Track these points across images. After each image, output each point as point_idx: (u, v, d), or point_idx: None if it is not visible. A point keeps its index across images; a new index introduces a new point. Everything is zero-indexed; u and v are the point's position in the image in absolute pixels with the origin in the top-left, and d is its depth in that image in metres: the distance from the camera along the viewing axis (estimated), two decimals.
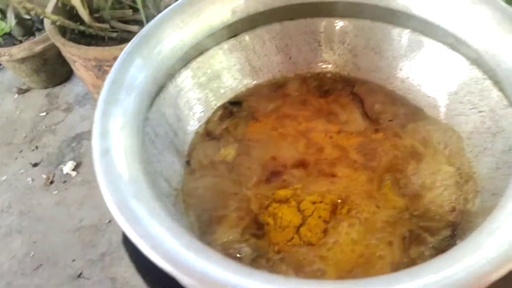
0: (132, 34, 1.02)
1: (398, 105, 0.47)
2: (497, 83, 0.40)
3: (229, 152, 0.45)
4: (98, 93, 1.18)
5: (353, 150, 0.44)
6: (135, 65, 0.38)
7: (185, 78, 0.46)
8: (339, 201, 0.40)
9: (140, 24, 1.09)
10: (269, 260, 0.38)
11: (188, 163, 0.44)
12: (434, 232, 0.38)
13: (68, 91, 1.67)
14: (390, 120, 0.46)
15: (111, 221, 1.30)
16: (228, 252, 0.39)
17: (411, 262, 0.37)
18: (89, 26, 1.31)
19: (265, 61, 0.50)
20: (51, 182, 1.47)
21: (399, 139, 0.44)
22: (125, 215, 0.29)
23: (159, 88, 0.41)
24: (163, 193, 0.40)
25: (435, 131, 0.44)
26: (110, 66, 1.01)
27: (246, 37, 0.48)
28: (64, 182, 1.46)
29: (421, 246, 0.38)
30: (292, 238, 0.39)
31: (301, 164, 0.43)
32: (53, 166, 1.54)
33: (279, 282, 0.26)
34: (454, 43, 0.42)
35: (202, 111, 0.48)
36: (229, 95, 0.50)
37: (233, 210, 0.41)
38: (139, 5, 0.99)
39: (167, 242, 0.28)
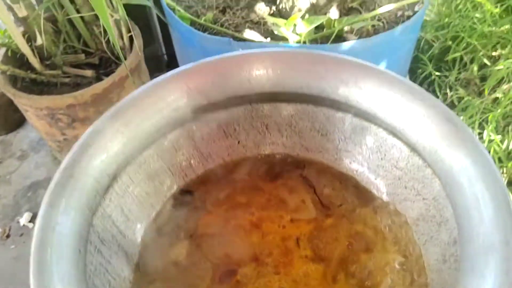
0: (86, 78, 1.00)
1: (348, 187, 0.48)
2: (436, 173, 0.41)
3: (180, 251, 0.44)
4: (52, 140, 1.14)
5: (306, 242, 0.44)
6: (71, 184, 0.36)
7: (132, 174, 0.45)
8: None
9: (94, 67, 1.07)
10: None
11: (137, 266, 0.43)
12: None
13: (22, 138, 1.61)
14: (340, 205, 0.46)
15: None
16: None
17: None
18: (41, 74, 1.28)
19: (214, 147, 0.50)
20: (8, 236, 1.40)
21: (350, 226, 0.45)
22: None
23: (101, 197, 0.40)
24: None
25: (383, 216, 0.45)
26: (63, 114, 0.99)
27: (193, 126, 0.48)
28: (21, 235, 1.39)
29: None
30: None
31: (254, 259, 0.43)
32: (9, 219, 1.47)
33: None
34: (394, 131, 0.43)
35: (152, 205, 0.47)
36: (179, 184, 0.49)
37: None
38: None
39: None
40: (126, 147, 0.41)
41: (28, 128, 1.59)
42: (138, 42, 0.93)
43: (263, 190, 0.48)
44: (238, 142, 0.50)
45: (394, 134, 0.44)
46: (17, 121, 1.59)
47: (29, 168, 1.52)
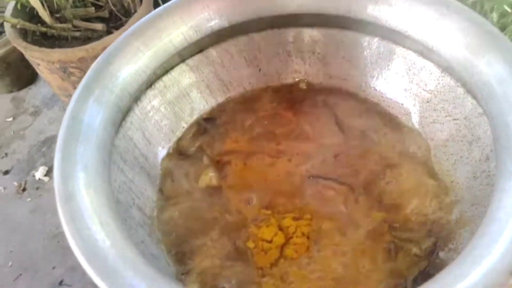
0: (96, 32, 0.98)
1: (372, 114, 0.47)
2: (470, 91, 0.39)
3: (204, 177, 0.43)
4: (65, 95, 1.14)
5: (330, 167, 0.43)
6: (94, 98, 0.36)
7: (152, 99, 0.44)
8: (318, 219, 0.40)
9: (104, 21, 1.05)
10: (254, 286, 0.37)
11: (161, 191, 0.43)
12: (416, 243, 0.37)
13: (35, 94, 1.60)
14: (363, 132, 0.45)
15: None
16: (210, 282, 0.38)
17: (398, 275, 0.37)
18: (51, 27, 1.26)
19: (235, 74, 0.48)
20: (24, 190, 1.42)
21: (375, 151, 0.44)
22: (95, 267, 0.27)
23: (123, 114, 0.39)
24: (137, 223, 0.39)
25: (410, 141, 0.44)
26: (75, 67, 0.98)
27: (213, 52, 0.46)
28: (37, 188, 1.41)
29: (405, 257, 0.38)
30: (277, 260, 0.38)
31: (278, 188, 0.42)
32: (25, 173, 1.48)
33: None
34: (425, 52, 0.41)
35: (173, 131, 0.46)
36: (200, 112, 0.48)
37: (212, 236, 0.40)
38: None
39: None
40: (147, 66, 0.40)
41: (40, 84, 1.58)
42: None
43: (286, 119, 0.47)
44: (259, 70, 0.49)
45: (424, 55, 0.42)
46: (29, 78, 1.58)
47: (43, 124, 1.52)
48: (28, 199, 1.40)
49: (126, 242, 0.30)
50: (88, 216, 0.30)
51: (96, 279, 0.27)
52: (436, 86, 0.42)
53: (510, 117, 0.31)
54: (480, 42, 0.35)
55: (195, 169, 0.44)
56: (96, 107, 0.35)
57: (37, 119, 1.54)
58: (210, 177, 0.43)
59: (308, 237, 0.38)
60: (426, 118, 0.44)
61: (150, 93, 0.44)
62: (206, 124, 0.47)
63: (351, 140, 0.45)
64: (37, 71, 1.41)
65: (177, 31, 0.41)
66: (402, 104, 0.45)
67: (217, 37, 0.45)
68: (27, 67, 1.55)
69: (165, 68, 0.44)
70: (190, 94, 0.47)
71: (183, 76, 0.46)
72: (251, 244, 0.39)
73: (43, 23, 1.25)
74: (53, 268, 1.31)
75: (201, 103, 0.48)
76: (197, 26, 0.42)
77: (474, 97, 0.39)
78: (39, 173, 1.43)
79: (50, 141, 1.52)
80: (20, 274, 1.28)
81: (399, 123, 0.45)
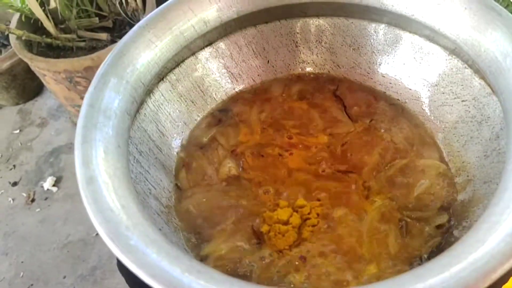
0: (101, 41, 1.00)
1: (380, 102, 0.47)
2: (477, 72, 0.40)
3: (226, 168, 0.44)
4: (71, 105, 1.15)
5: (341, 156, 0.43)
6: (110, 87, 0.36)
7: (164, 92, 0.45)
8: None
9: (108, 31, 1.07)
10: (276, 268, 0.37)
11: (177, 182, 0.44)
12: (429, 221, 0.38)
13: (41, 106, 1.62)
14: (372, 120, 0.46)
15: (98, 234, 1.28)
16: (229, 267, 0.38)
17: (412, 252, 0.37)
18: (56, 38, 1.27)
19: (244, 66, 0.49)
20: (33, 200, 1.43)
21: (384, 138, 0.44)
22: (120, 245, 0.28)
23: (138, 104, 0.40)
24: (154, 212, 0.39)
25: (419, 125, 0.44)
26: (81, 77, 0.99)
27: (222, 45, 0.47)
28: (46, 199, 1.42)
29: (419, 235, 0.38)
30: (295, 241, 0.38)
31: (294, 176, 0.43)
32: (33, 184, 1.49)
33: None
34: (431, 35, 0.42)
35: (185, 123, 0.47)
36: (211, 104, 0.49)
37: (230, 223, 0.40)
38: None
39: (166, 269, 0.27)
40: (159, 58, 0.41)
41: (46, 96, 1.60)
42: (151, 2, 0.93)
43: (295, 110, 0.48)
44: (268, 61, 0.50)
45: (431, 39, 0.43)
46: (34, 90, 1.60)
47: (50, 135, 1.54)
48: (37, 210, 1.41)
49: (148, 223, 0.30)
50: (109, 198, 0.30)
51: (121, 256, 0.27)
52: (444, 69, 0.43)
53: (505, 65, 0.32)
54: (485, 20, 0.36)
55: (210, 159, 0.45)
56: (112, 95, 0.36)
57: (44, 130, 1.55)
58: (229, 167, 0.44)
59: (323, 219, 0.39)
60: (435, 101, 0.44)
61: (162, 86, 0.44)
62: (220, 115, 0.48)
63: (360, 127, 0.45)
64: (43, 82, 1.43)
65: (187, 23, 0.42)
66: (410, 90, 0.46)
67: (226, 29, 0.46)
68: (32, 79, 1.57)
69: (176, 61, 0.45)
70: (201, 87, 0.48)
71: (193, 69, 0.47)
72: (265, 228, 0.39)
73: (48, 34, 1.27)
74: (64, 277, 1.32)
75: (212, 96, 0.49)
76: (207, 18, 0.43)
77: (482, 77, 0.39)
78: (47, 184, 1.45)
79: (57, 152, 1.53)
80: (32, 285, 1.28)
81: (408, 108, 0.46)
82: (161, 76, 0.44)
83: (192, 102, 0.47)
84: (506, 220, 0.27)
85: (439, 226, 0.38)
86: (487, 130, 0.39)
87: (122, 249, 0.28)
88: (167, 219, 0.40)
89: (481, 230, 0.27)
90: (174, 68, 0.45)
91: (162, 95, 0.45)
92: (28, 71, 1.45)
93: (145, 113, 0.43)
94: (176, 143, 0.46)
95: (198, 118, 0.48)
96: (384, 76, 0.48)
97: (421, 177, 0.41)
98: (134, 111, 0.39)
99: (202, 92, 0.48)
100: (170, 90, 0.45)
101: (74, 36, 1.18)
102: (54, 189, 1.41)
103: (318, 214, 0.39)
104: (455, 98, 0.42)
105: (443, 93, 0.43)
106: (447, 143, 0.42)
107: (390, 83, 0.47)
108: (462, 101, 0.41)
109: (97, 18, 1.18)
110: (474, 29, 0.37)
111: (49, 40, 1.28)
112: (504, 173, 0.30)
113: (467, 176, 0.39)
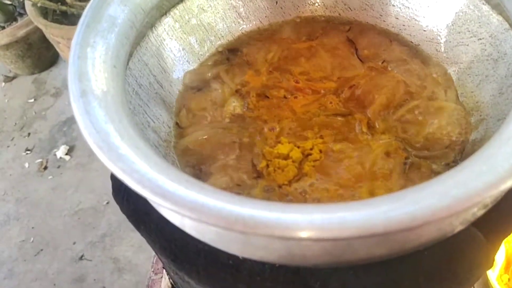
0: None
1: (393, 44, 0.45)
2: (495, 7, 0.38)
3: (231, 106, 0.42)
4: None
5: (349, 99, 0.42)
6: (108, 9, 0.35)
7: (167, 27, 0.44)
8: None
9: None
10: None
11: (178, 119, 0.42)
12: (436, 160, 0.36)
13: (55, 76, 1.64)
14: (383, 62, 0.44)
15: (109, 202, 1.29)
16: None
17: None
18: (71, 6, 1.28)
19: (251, 7, 0.48)
20: (45, 168, 1.45)
21: (395, 79, 0.42)
22: (108, 154, 0.27)
23: (139, 35, 0.39)
24: (152, 144, 0.38)
25: (432, 67, 0.42)
26: None
27: None
28: (58, 167, 1.44)
29: (425, 172, 0.36)
30: (295, 177, 0.37)
31: (299, 118, 0.41)
32: (46, 152, 1.51)
33: (276, 208, 0.24)
34: None
35: (188, 61, 0.45)
36: (216, 45, 0.47)
37: (231, 158, 0.39)
38: None
39: (155, 177, 0.26)
40: None
41: (61, 66, 1.61)
42: None
43: (304, 52, 0.46)
44: (276, 2, 0.48)
45: None
46: (50, 60, 1.61)
47: (64, 105, 1.55)
48: (49, 177, 1.43)
49: (139, 137, 0.29)
50: (101, 111, 0.29)
51: (108, 163, 0.26)
52: (461, 7, 0.40)
53: None
54: None
55: (213, 98, 0.43)
56: (109, 18, 0.35)
57: (58, 100, 1.57)
58: (234, 106, 0.42)
59: (325, 154, 0.37)
60: (450, 42, 0.42)
61: (165, 20, 0.43)
62: (227, 55, 0.46)
63: (372, 71, 0.43)
64: (57, 50, 1.43)
65: None
66: (424, 31, 0.44)
67: None
68: (48, 49, 1.58)
69: None
70: (205, 26, 0.46)
71: (198, 6, 0.45)
72: (263, 164, 0.38)
73: (63, 2, 1.27)
74: (74, 243, 1.33)
75: (217, 36, 0.47)
76: None
77: (500, 13, 0.37)
78: (60, 152, 1.46)
79: (70, 122, 1.54)
80: (41, 250, 1.30)
81: (421, 50, 0.44)
82: (163, 10, 0.43)
83: (196, 41, 0.46)
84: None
85: (447, 164, 0.36)
86: (503, 67, 0.36)
87: (110, 157, 0.27)
88: (165, 152, 0.39)
89: (493, 146, 0.25)
90: (177, 3, 0.44)
91: (165, 30, 0.43)
92: (44, 40, 1.46)
93: (146, 47, 0.42)
94: (178, 81, 0.44)
95: (202, 57, 0.46)
96: (397, 18, 0.45)
97: (431, 118, 0.39)
98: (134, 39, 0.38)
99: (207, 31, 0.46)
100: (173, 26, 0.44)
101: None
102: (67, 157, 1.43)
103: (320, 151, 0.38)
104: (471, 37, 0.40)
105: (459, 32, 0.41)
106: (461, 84, 0.40)
107: (404, 25, 0.45)
108: (479, 39, 0.39)
109: None
110: None
111: (64, 7, 1.28)
112: None
113: (480, 115, 0.37)
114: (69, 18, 1.39)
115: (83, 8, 1.17)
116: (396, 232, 0.22)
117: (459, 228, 0.28)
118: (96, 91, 0.31)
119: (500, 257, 0.72)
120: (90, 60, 0.32)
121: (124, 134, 0.29)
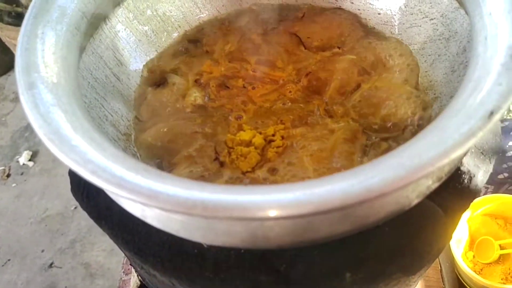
0: None
1: (350, 28, 0.45)
2: None
3: (192, 97, 0.41)
4: None
5: (304, 87, 0.42)
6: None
7: (120, 18, 0.43)
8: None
9: None
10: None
11: (137, 112, 0.42)
12: (395, 139, 0.37)
13: (14, 80, 1.56)
14: (339, 47, 0.44)
15: (77, 207, 1.26)
16: None
17: None
18: (26, 7, 1.23)
19: None
20: (8, 176, 1.40)
21: (350, 63, 0.43)
22: (60, 145, 0.26)
23: (91, 27, 0.38)
24: (111, 138, 0.37)
25: (386, 47, 0.43)
26: None
27: None
28: (22, 173, 1.39)
29: (384, 151, 0.37)
30: (259, 163, 0.37)
31: (255, 104, 0.41)
32: (8, 159, 1.46)
33: (234, 190, 0.24)
34: None
35: (145, 53, 0.45)
36: (172, 34, 0.47)
37: (194, 149, 0.39)
38: None
39: (110, 167, 0.25)
40: None
41: None
42: None
43: (260, 43, 0.46)
44: None
45: None
46: (7, 64, 1.56)
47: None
48: (13, 185, 1.38)
49: (93, 127, 0.29)
50: (51, 103, 0.28)
51: (60, 155, 0.25)
52: None
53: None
54: None
55: (173, 89, 0.43)
56: (59, 8, 0.34)
57: (18, 105, 1.52)
58: (195, 96, 0.42)
59: (287, 139, 0.37)
60: (404, 24, 0.43)
61: (119, 11, 0.42)
62: (186, 45, 0.46)
63: (326, 56, 0.44)
64: (14, 53, 1.38)
65: None
66: (379, 14, 0.45)
67: None
68: (5, 53, 1.53)
69: None
70: (161, 16, 0.45)
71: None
72: (225, 153, 0.37)
73: (18, 3, 1.22)
74: (42, 251, 1.29)
75: (174, 26, 0.46)
76: None
77: None
78: (23, 158, 1.41)
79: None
80: (9, 260, 1.26)
81: (377, 33, 0.45)
82: (116, 0, 0.42)
83: (153, 31, 0.45)
84: (468, 107, 0.25)
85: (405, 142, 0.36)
86: (455, 46, 0.37)
87: (62, 149, 0.26)
88: (125, 146, 0.39)
89: (445, 117, 0.26)
90: None
91: (119, 21, 0.42)
92: (1, 44, 1.41)
93: (100, 39, 0.40)
94: (136, 73, 0.43)
95: (160, 49, 0.46)
96: (352, 3, 0.46)
97: (387, 99, 0.39)
98: (85, 30, 0.37)
99: (163, 21, 0.46)
100: (127, 17, 0.43)
101: None
102: (30, 163, 1.39)
103: (283, 137, 0.38)
104: (423, 17, 0.41)
105: (412, 14, 0.42)
106: (415, 64, 0.41)
107: (359, 9, 0.46)
108: (430, 19, 0.40)
109: None
110: None
111: (19, 9, 1.24)
112: (467, 72, 0.29)
113: (434, 94, 0.38)
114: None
115: None
116: (354, 206, 0.22)
117: (416, 201, 0.28)
118: (46, 83, 0.30)
119: (464, 235, 0.74)
120: (39, 52, 0.31)
121: (78, 126, 0.28)
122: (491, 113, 0.24)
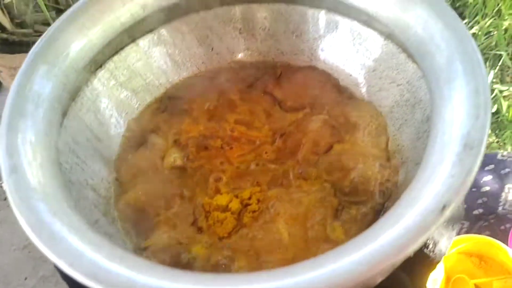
0: None
1: (323, 88, 0.47)
2: (410, 56, 0.41)
3: (171, 158, 0.43)
4: None
5: (279, 148, 0.43)
6: (40, 73, 0.35)
7: (103, 80, 0.44)
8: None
9: None
10: (218, 257, 0.37)
11: (117, 173, 0.43)
12: (365, 204, 0.38)
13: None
14: (312, 108, 0.46)
15: None
16: (171, 255, 0.38)
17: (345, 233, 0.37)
18: (12, 33, 1.23)
19: (187, 54, 0.49)
20: None
21: (322, 124, 0.44)
22: (40, 234, 0.27)
23: (72, 94, 0.39)
24: (91, 203, 0.39)
25: (357, 109, 0.45)
26: None
27: (164, 31, 0.47)
28: (5, 199, 1.37)
29: (354, 216, 0.38)
30: (235, 228, 0.38)
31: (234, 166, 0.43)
32: None
33: (203, 281, 0.25)
34: (367, 20, 0.43)
35: (126, 112, 0.46)
36: (154, 93, 0.48)
37: (172, 213, 0.40)
38: None
39: (88, 257, 0.27)
40: (93, 43, 0.40)
41: (4, 94, 1.55)
42: None
43: (238, 102, 0.47)
44: (212, 49, 0.50)
45: (368, 24, 0.43)
46: None
47: None
48: None
49: (73, 211, 0.30)
50: (32, 187, 0.30)
51: (39, 244, 0.27)
52: (381, 54, 0.44)
53: (431, 47, 0.33)
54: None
55: (153, 150, 0.44)
56: (41, 83, 0.35)
57: None
58: (174, 157, 0.43)
59: (262, 204, 0.39)
60: (373, 87, 0.45)
61: (100, 73, 0.43)
62: (165, 104, 0.47)
63: (299, 116, 0.45)
64: (0, 79, 1.38)
65: (122, 7, 0.41)
66: (350, 75, 0.47)
67: (167, 15, 0.45)
68: None
69: (115, 48, 0.44)
70: (142, 76, 0.47)
71: (134, 57, 0.46)
72: (202, 218, 0.39)
73: (3, 29, 1.23)
74: (25, 279, 1.28)
75: (154, 85, 0.48)
76: (143, 2, 0.42)
77: (414, 61, 0.40)
78: None
79: None
80: None
81: (349, 93, 0.47)
82: (98, 63, 0.43)
83: (133, 91, 0.46)
84: (423, 196, 0.27)
85: (373, 207, 0.38)
86: (419, 113, 0.39)
87: (41, 238, 0.27)
88: (105, 210, 0.40)
89: (401, 206, 0.28)
90: (113, 55, 0.44)
91: (101, 83, 0.44)
92: None
93: (82, 102, 0.42)
94: (117, 134, 0.45)
95: (141, 108, 0.47)
96: (325, 63, 0.48)
97: (357, 162, 0.41)
98: (66, 99, 0.38)
99: (144, 80, 0.47)
100: (109, 78, 0.44)
101: (31, 31, 1.15)
102: None
103: (258, 200, 0.39)
104: (391, 82, 0.43)
105: (380, 78, 0.44)
106: (383, 128, 0.43)
107: (332, 69, 0.48)
108: (398, 85, 0.42)
109: (54, 12, 1.15)
110: (403, 13, 0.37)
111: (4, 35, 1.24)
112: (426, 151, 0.31)
113: (401, 158, 0.40)
114: (10, 46, 1.34)
115: (25, 35, 1.14)
116: None
117: (380, 279, 0.30)
118: (27, 165, 0.31)
119: (439, 273, 0.76)
120: (21, 132, 0.32)
121: (57, 208, 0.29)
122: (444, 207, 0.26)
